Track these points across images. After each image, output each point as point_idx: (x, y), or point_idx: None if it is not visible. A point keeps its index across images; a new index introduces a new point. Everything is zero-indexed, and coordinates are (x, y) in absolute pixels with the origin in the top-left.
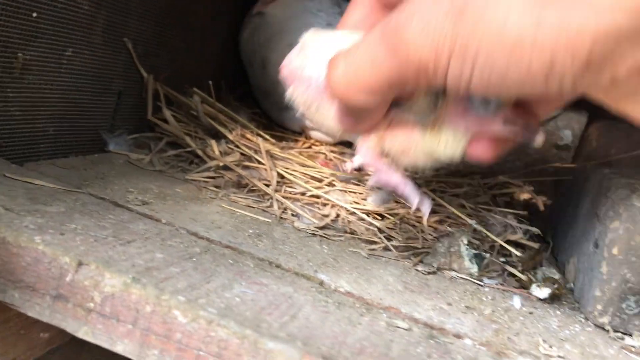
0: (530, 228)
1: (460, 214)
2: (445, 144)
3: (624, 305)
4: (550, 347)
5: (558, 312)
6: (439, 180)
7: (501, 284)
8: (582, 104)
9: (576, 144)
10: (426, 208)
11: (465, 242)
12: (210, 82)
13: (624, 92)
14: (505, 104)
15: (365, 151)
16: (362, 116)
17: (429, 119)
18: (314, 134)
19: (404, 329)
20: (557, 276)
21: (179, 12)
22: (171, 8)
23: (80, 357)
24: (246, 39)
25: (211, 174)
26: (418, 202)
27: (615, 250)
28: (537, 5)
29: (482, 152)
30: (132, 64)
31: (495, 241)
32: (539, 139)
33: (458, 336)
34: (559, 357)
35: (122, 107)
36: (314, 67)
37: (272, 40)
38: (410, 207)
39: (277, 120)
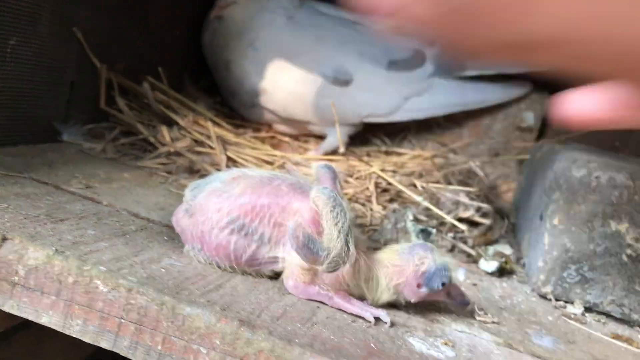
0: (482, 205)
1: (408, 192)
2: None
3: (565, 274)
4: (486, 314)
5: (504, 285)
6: (391, 160)
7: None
8: (545, 84)
9: (539, 125)
10: (383, 315)
11: (411, 217)
12: (159, 68)
13: None
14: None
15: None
16: None
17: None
18: (279, 127)
19: None
20: (509, 252)
21: (134, 3)
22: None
23: (42, 345)
24: (207, 43)
25: (163, 160)
26: (369, 315)
27: (555, 221)
28: None
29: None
30: (85, 55)
31: (444, 218)
32: (469, 307)
33: (393, 305)
34: (494, 322)
35: (76, 98)
36: None
37: (232, 43)
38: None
39: (247, 117)
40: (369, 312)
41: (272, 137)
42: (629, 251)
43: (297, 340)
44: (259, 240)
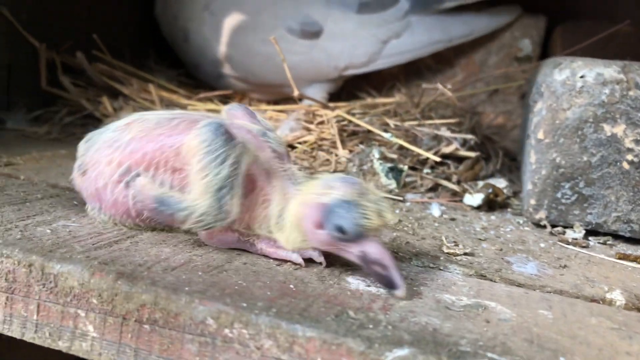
0: (467, 136)
1: (376, 130)
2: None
3: (559, 195)
4: (457, 245)
5: (492, 218)
6: (362, 104)
7: (428, 198)
8: (538, 6)
9: (538, 52)
10: (315, 255)
11: (377, 156)
12: (94, 35)
13: None
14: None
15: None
16: None
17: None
18: (253, 95)
19: None
20: (503, 184)
21: None
22: None
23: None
24: (160, 13)
25: None
26: (296, 256)
27: (540, 134)
28: None
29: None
30: (19, 35)
31: (420, 155)
32: (399, 292)
33: None
34: (466, 254)
35: (16, 82)
36: None
37: (186, 9)
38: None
39: (218, 87)
40: (296, 254)
41: (242, 99)
42: (629, 157)
43: (187, 289)
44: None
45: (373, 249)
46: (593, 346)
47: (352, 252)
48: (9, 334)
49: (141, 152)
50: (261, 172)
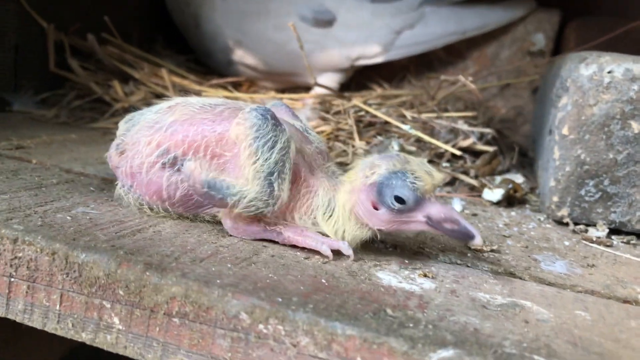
0: (485, 130)
1: (394, 122)
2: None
3: (582, 192)
4: (484, 242)
5: (513, 214)
6: (377, 95)
7: (447, 192)
8: (553, 0)
9: (551, 47)
10: (344, 248)
11: (397, 148)
12: (105, 17)
13: None
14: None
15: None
16: None
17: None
18: (263, 83)
19: None
20: (520, 180)
21: None
22: None
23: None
24: None
25: (118, 118)
26: (326, 247)
27: (565, 130)
28: None
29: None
30: (28, 16)
31: (439, 148)
32: (477, 241)
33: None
34: (492, 251)
35: (24, 64)
36: None
37: None
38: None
39: (228, 75)
40: (325, 245)
41: (255, 92)
42: None
43: (218, 282)
44: None
45: (436, 210)
46: (638, 350)
47: (417, 220)
48: (30, 323)
49: (182, 135)
50: (304, 163)
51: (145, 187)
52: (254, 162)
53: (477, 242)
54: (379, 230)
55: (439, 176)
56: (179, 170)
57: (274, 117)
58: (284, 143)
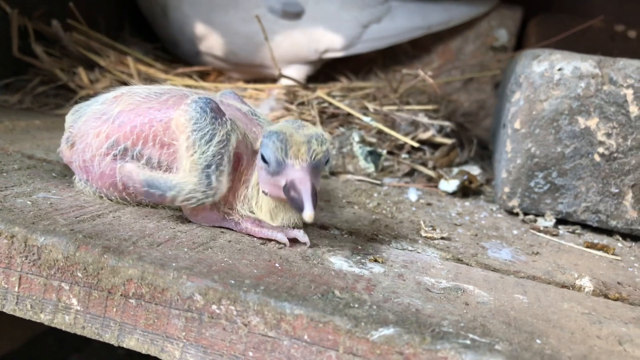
0: (445, 123)
1: (356, 114)
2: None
3: (532, 184)
4: (434, 230)
5: (467, 204)
6: (342, 87)
7: (405, 183)
8: None
9: (514, 43)
10: (300, 235)
11: (357, 139)
12: (70, 3)
13: None
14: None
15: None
16: None
17: None
18: (231, 74)
19: None
20: (477, 172)
21: None
22: None
23: None
24: None
25: None
26: (281, 236)
27: (517, 124)
28: None
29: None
30: None
31: (399, 139)
32: (305, 214)
33: (324, 227)
34: (443, 238)
35: None
36: None
37: None
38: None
39: (196, 64)
40: (281, 234)
41: (219, 76)
42: (600, 149)
43: (174, 264)
44: (147, 166)
45: (298, 176)
46: (566, 330)
47: (281, 185)
48: None
49: (129, 126)
50: (247, 151)
51: (100, 180)
52: (192, 155)
53: (306, 215)
54: (276, 198)
55: (316, 147)
56: (131, 161)
57: (213, 110)
58: (222, 136)
